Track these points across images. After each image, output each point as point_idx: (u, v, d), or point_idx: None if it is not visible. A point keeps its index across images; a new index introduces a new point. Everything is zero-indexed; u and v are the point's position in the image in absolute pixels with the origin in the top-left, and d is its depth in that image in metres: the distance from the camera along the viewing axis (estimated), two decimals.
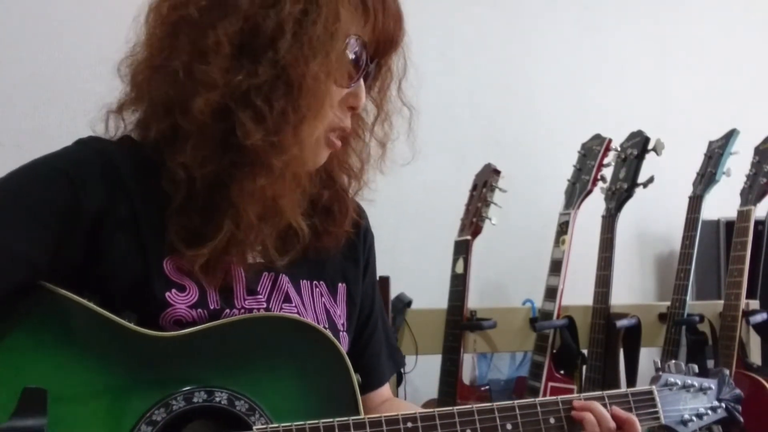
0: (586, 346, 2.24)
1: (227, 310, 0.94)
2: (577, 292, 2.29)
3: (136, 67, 0.96)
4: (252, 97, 0.88)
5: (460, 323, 2.21)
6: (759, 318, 2.25)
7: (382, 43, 0.99)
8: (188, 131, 0.89)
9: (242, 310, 0.96)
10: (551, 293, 2.20)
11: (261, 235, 0.94)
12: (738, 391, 1.14)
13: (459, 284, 2.23)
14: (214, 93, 0.87)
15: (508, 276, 2.69)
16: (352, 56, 0.94)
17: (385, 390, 1.19)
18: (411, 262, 2.46)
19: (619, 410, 1.03)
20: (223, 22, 0.88)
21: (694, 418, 1.10)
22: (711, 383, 1.13)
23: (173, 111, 0.90)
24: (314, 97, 0.90)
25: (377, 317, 1.17)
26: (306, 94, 0.89)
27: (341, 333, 1.05)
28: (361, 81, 0.97)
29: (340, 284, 1.09)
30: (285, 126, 0.89)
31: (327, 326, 1.01)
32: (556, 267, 2.21)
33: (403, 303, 2.24)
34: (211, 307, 0.93)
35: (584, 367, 2.21)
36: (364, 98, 0.99)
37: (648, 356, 2.29)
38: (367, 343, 1.15)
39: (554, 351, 2.20)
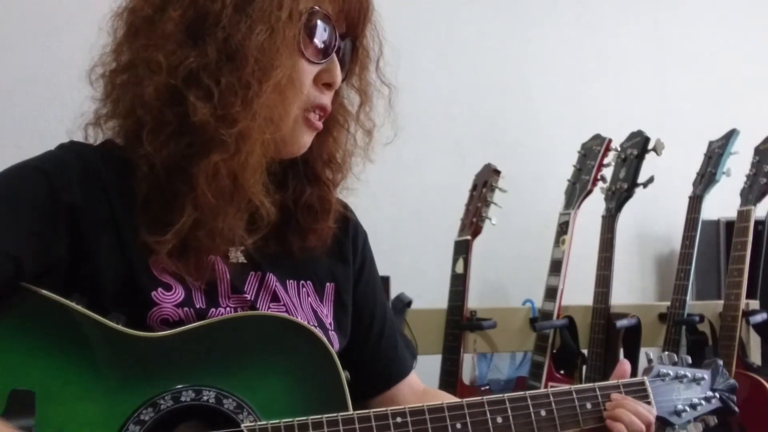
0: (586, 346, 2.24)
1: (213, 309, 0.95)
2: (577, 292, 2.29)
3: (109, 77, 0.97)
4: (201, 76, 0.89)
5: (460, 323, 2.21)
6: (759, 318, 2.25)
7: (350, 17, 0.99)
8: (146, 121, 0.90)
9: (227, 309, 0.96)
10: (551, 293, 2.20)
11: (227, 217, 0.92)
12: (732, 381, 1.14)
13: (459, 284, 2.23)
14: (159, 76, 0.89)
15: (508, 276, 2.69)
16: (316, 28, 0.95)
17: (415, 380, 1.18)
18: (411, 262, 2.46)
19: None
20: (171, 10, 0.90)
21: (687, 408, 1.09)
22: (704, 374, 1.13)
23: (136, 107, 0.92)
24: (262, 69, 0.89)
25: (384, 311, 1.17)
26: (252, 66, 0.89)
27: (330, 332, 1.05)
28: (334, 57, 0.97)
29: (328, 284, 1.09)
30: (233, 99, 0.89)
31: (315, 325, 1.01)
32: (556, 267, 2.20)
33: (403, 303, 2.24)
34: (197, 306, 0.94)
35: (584, 367, 2.21)
36: (339, 74, 0.98)
37: (648, 352, 2.29)
38: (379, 336, 1.15)
39: (554, 351, 2.20)
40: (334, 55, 0.97)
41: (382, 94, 1.08)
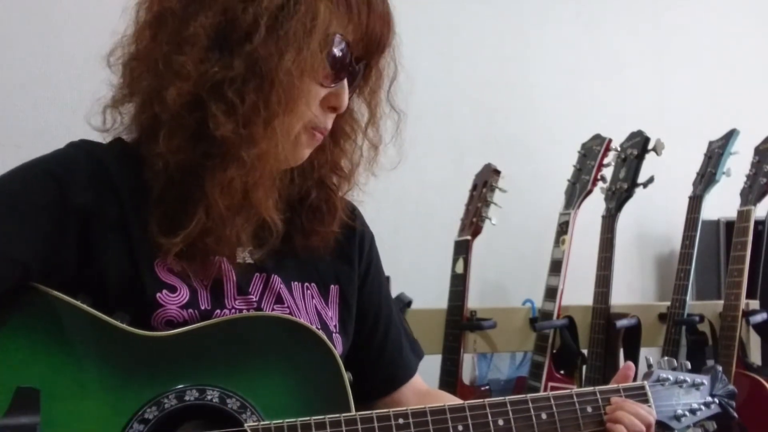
0: (586, 346, 2.24)
1: (218, 311, 0.95)
2: (577, 292, 2.29)
3: (127, 61, 0.96)
4: (225, 89, 0.88)
5: (460, 323, 2.21)
6: (759, 318, 2.25)
7: (369, 44, 0.98)
8: (163, 121, 0.90)
9: (233, 311, 0.96)
10: (551, 293, 2.20)
11: (235, 227, 0.93)
12: (731, 386, 1.14)
13: (459, 284, 2.23)
14: (186, 83, 0.88)
15: (508, 276, 2.69)
16: (335, 55, 0.94)
17: (419, 382, 1.18)
18: (411, 262, 2.45)
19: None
20: (202, 14, 0.89)
21: (687, 413, 1.10)
22: (704, 379, 1.13)
23: (153, 102, 0.91)
24: (286, 93, 0.89)
25: (389, 313, 1.17)
26: (277, 90, 0.89)
27: (334, 335, 1.06)
28: (345, 81, 0.97)
29: (332, 286, 1.09)
30: (255, 119, 0.89)
31: (319, 327, 1.01)
32: (556, 267, 2.21)
33: (403, 303, 2.24)
34: (202, 308, 0.94)
35: (584, 367, 2.22)
36: (346, 99, 0.98)
37: (648, 356, 2.29)
38: (384, 339, 1.15)
39: (554, 351, 2.20)
40: (345, 80, 0.97)
41: (391, 117, 1.08)
